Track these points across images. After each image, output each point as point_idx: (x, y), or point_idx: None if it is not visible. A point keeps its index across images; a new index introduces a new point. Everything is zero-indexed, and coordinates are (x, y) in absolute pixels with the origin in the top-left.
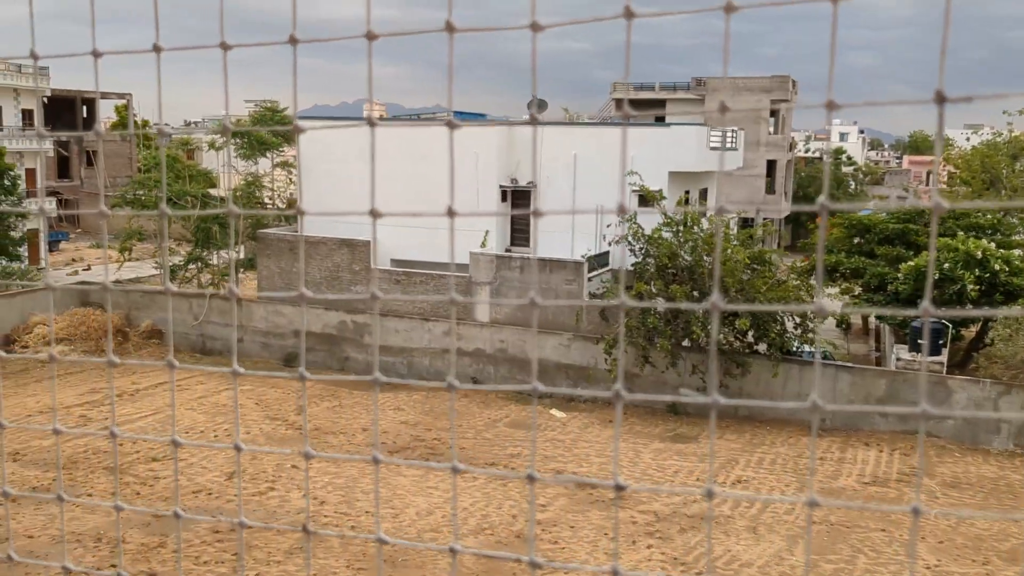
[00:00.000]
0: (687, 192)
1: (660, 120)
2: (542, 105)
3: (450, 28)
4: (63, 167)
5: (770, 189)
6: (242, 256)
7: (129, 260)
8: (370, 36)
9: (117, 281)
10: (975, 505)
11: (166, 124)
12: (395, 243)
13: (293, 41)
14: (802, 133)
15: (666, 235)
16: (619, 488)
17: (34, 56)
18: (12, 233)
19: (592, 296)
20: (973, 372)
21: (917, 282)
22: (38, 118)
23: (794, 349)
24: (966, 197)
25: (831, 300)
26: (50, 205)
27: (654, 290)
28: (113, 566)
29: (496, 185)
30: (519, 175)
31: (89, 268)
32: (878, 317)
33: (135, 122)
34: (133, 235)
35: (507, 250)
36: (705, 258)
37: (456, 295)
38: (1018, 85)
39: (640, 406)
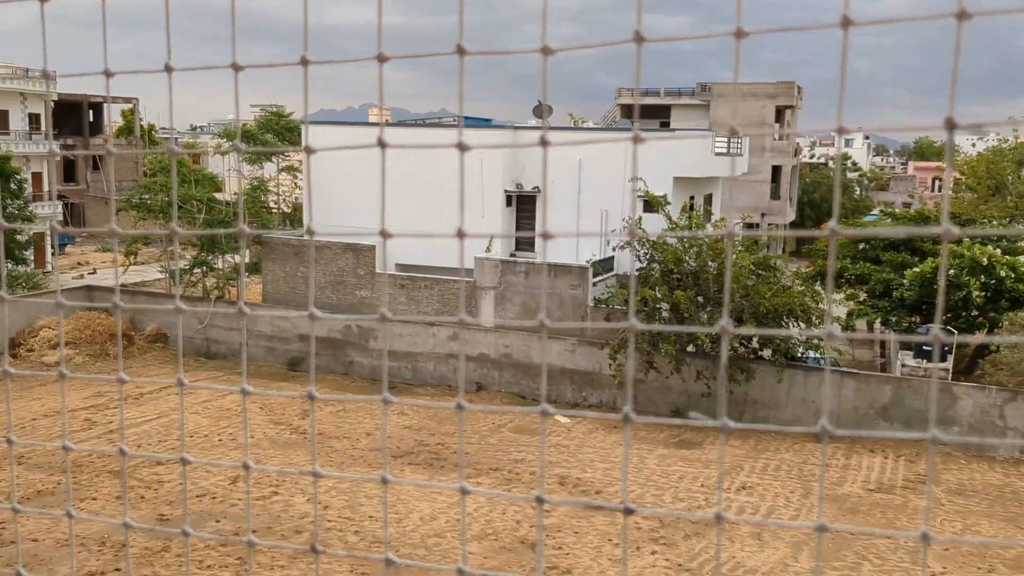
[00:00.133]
0: (692, 197)
1: (665, 126)
2: (548, 109)
3: (461, 51)
4: (69, 171)
5: (775, 195)
6: (248, 260)
7: (135, 264)
8: (381, 58)
9: (123, 285)
10: (981, 512)
11: (176, 134)
12: (400, 247)
13: (304, 62)
14: (807, 139)
15: (671, 241)
16: (628, 511)
17: (46, 75)
18: (18, 237)
19: (597, 301)
20: (979, 378)
21: (922, 288)
22: (46, 123)
23: (799, 355)
24: (971, 203)
25: (835, 305)
26: (59, 220)
27: (659, 295)
28: (118, 570)
29: (501, 189)
30: (524, 180)
31: (95, 272)
32: (883, 323)
33: (141, 126)
34: (138, 239)
35: (512, 255)
36: (710, 263)
37: (466, 316)
38: None
39: (645, 411)
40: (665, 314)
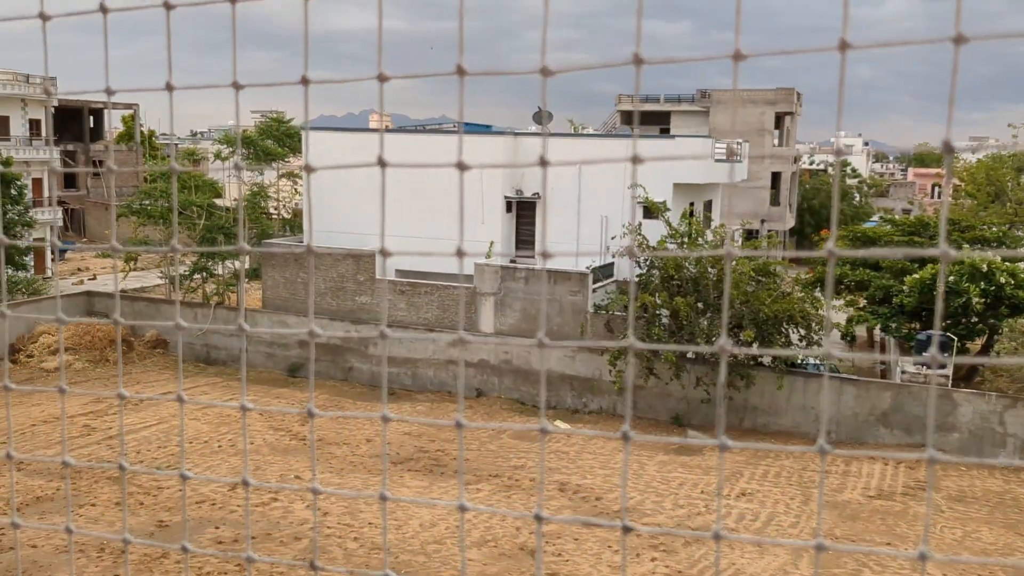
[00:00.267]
0: (691, 204)
1: (665, 132)
2: (548, 116)
3: (461, 72)
4: (69, 177)
5: (775, 201)
6: (247, 266)
7: (134, 270)
8: (382, 78)
9: (123, 291)
10: (981, 519)
11: (176, 140)
12: (399, 252)
13: (305, 82)
14: (807, 145)
15: (670, 246)
16: (626, 530)
17: (47, 91)
18: (18, 243)
19: (597, 307)
20: (979, 385)
21: (922, 295)
22: (47, 129)
23: (799, 361)
24: (971, 210)
25: (835, 311)
26: (59, 225)
27: (659, 301)
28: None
29: (501, 195)
30: (524, 186)
31: (95, 278)
32: (883, 330)
33: (141, 132)
34: (139, 244)
35: (512, 261)
36: (710, 269)
37: (465, 334)
38: None
39: (645, 417)
40: (665, 320)
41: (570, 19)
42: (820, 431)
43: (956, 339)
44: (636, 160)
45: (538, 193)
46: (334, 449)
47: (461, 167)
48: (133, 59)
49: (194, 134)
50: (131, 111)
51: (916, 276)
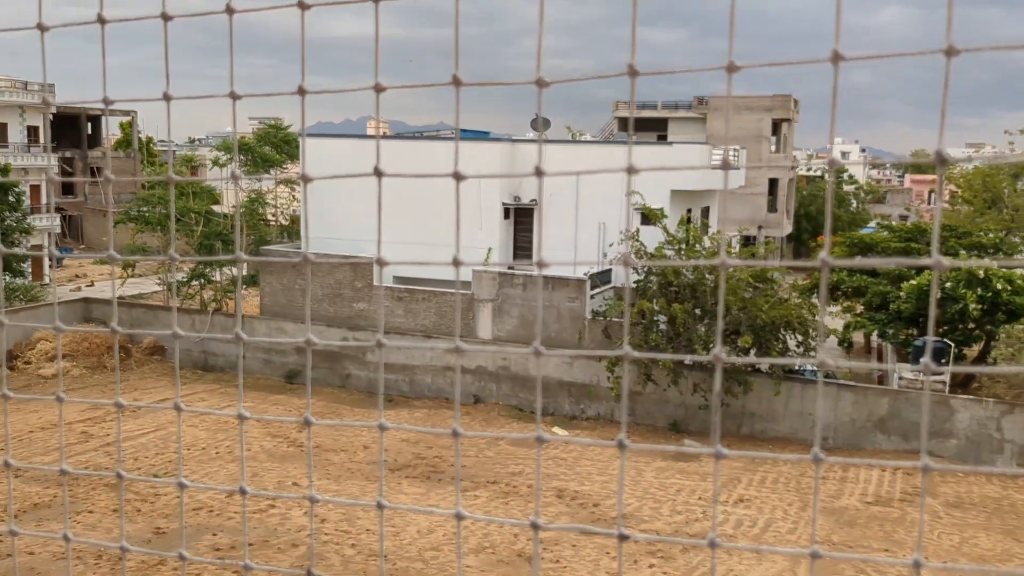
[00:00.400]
0: (689, 210)
1: (662, 139)
2: (545, 123)
3: (456, 82)
4: (67, 183)
5: (772, 207)
6: (245, 272)
7: (132, 276)
8: (378, 88)
9: (121, 298)
10: (978, 525)
11: (175, 146)
12: (396, 259)
13: (302, 92)
14: (804, 152)
15: (668, 253)
16: (623, 538)
17: (46, 102)
18: (16, 249)
19: (595, 313)
20: (976, 391)
21: (919, 300)
22: (45, 137)
23: (796, 368)
24: (968, 216)
25: (832, 317)
26: (55, 243)
27: (656, 308)
28: None
29: (499, 202)
30: (521, 192)
31: (92, 284)
32: (880, 336)
33: (139, 139)
34: (137, 251)
35: (509, 267)
36: (707, 275)
37: (461, 343)
38: (1023, 105)
39: (642, 424)
40: (663, 326)
41: (566, 27)
42: (816, 438)
43: (953, 345)
44: (632, 170)
45: (535, 199)
46: (331, 456)
47: (457, 177)
48: (130, 66)
49: (192, 141)
50: (129, 118)
51: (913, 282)
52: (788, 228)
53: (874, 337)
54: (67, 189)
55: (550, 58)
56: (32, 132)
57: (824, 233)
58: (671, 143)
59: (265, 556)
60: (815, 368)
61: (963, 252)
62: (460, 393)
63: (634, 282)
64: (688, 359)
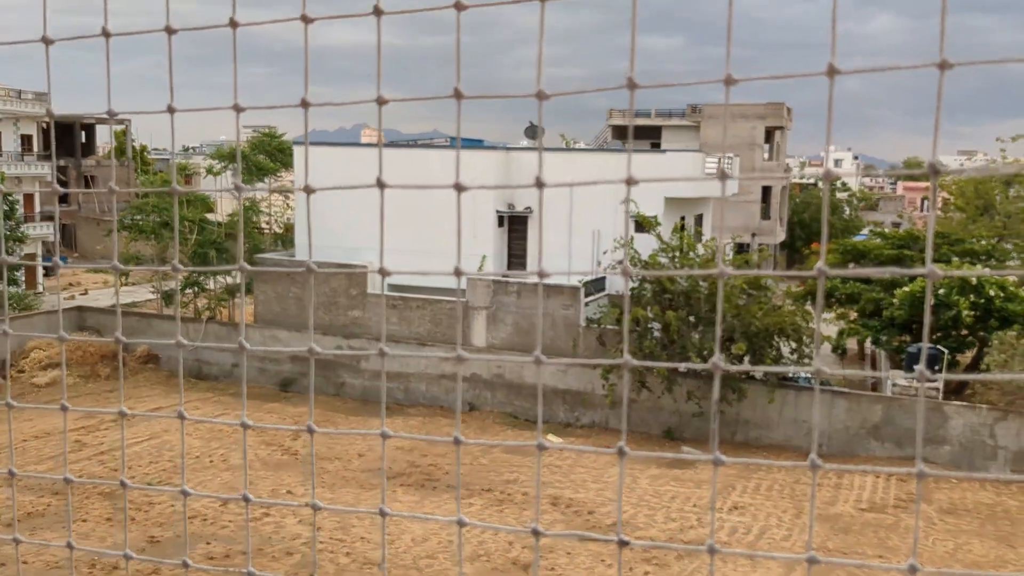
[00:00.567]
0: (683, 218)
1: (656, 146)
2: (540, 131)
3: (458, 95)
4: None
5: (765, 215)
6: (239, 280)
7: (126, 284)
8: (380, 101)
9: (113, 306)
10: (972, 531)
11: (173, 155)
12: (392, 267)
13: (304, 104)
14: (797, 159)
15: (662, 260)
16: (623, 543)
17: (50, 114)
18: (13, 259)
19: (589, 321)
20: (969, 398)
21: (913, 307)
22: (45, 147)
23: (790, 375)
24: (960, 224)
25: (825, 325)
26: (50, 252)
27: (651, 315)
28: None
29: (493, 210)
30: (516, 200)
31: (86, 292)
32: (874, 343)
33: (133, 147)
34: (131, 260)
35: (504, 276)
36: (701, 283)
37: (463, 352)
38: (1015, 113)
39: (637, 431)
40: (657, 334)
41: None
42: (812, 445)
43: (946, 352)
44: (632, 181)
45: (530, 207)
46: (326, 464)
47: (459, 188)
48: (127, 74)
49: (186, 149)
50: (123, 126)
51: (906, 289)
52: (781, 235)
53: (868, 344)
54: (61, 198)
55: (545, 67)
56: (26, 141)
57: (820, 242)
58: (664, 151)
59: (260, 564)
60: (808, 376)
61: (956, 259)
62: (453, 402)
63: (629, 289)
64: (686, 367)
